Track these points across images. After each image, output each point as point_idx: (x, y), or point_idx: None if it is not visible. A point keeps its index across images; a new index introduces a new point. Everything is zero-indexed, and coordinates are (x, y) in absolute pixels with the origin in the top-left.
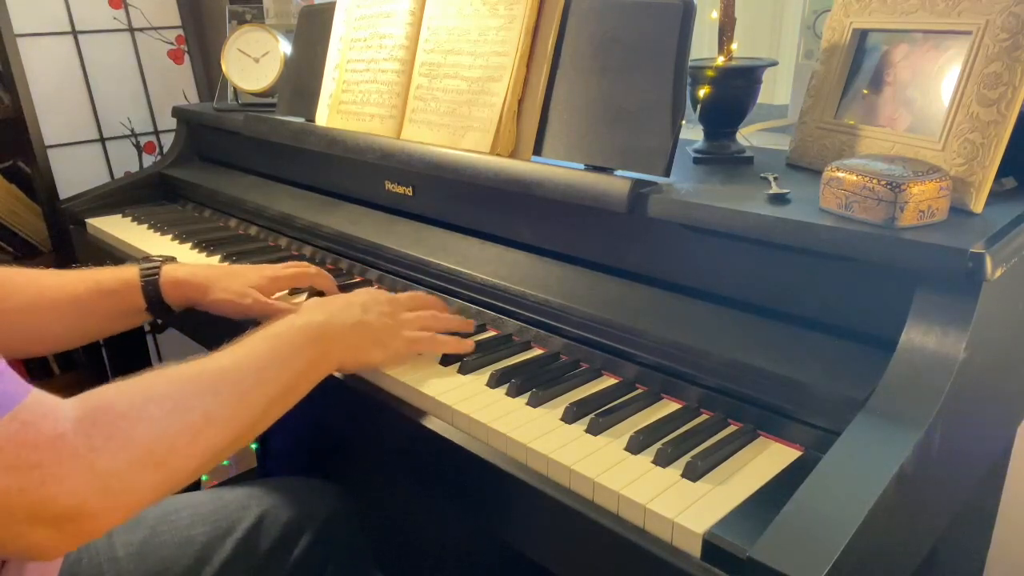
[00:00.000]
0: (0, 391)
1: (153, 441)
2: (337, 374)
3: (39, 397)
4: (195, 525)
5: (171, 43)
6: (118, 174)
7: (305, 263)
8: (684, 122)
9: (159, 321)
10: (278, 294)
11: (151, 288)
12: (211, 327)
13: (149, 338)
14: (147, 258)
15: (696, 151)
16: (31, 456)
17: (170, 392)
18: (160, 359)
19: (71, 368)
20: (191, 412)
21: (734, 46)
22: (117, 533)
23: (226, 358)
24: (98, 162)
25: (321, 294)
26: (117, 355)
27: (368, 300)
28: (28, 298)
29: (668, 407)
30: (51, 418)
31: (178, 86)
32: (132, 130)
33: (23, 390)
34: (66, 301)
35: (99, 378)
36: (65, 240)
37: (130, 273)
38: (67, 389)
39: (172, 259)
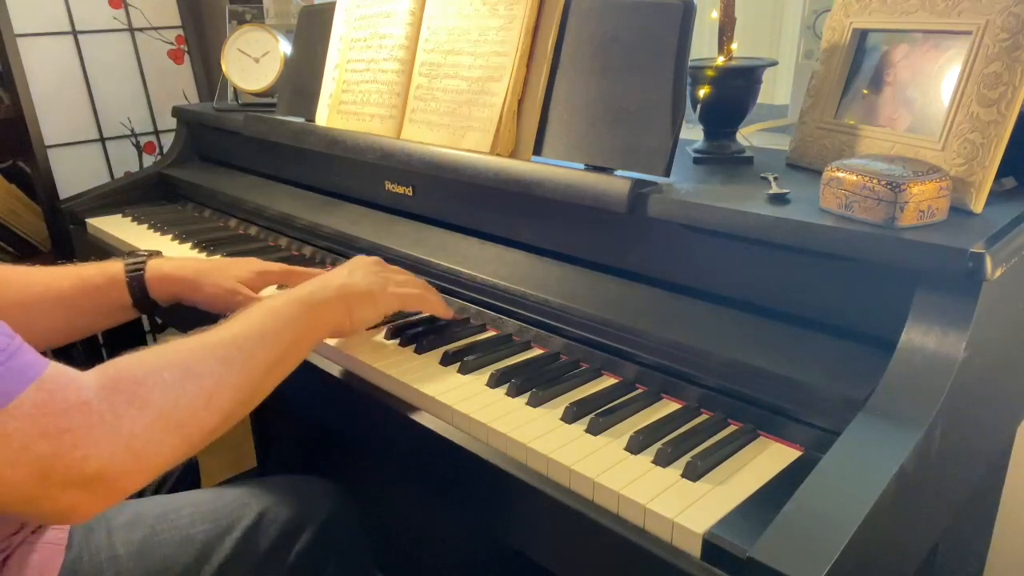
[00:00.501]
0: (23, 362)
1: (170, 404)
2: (336, 372)
3: (59, 368)
4: (195, 524)
5: (171, 43)
6: (118, 174)
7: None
8: (684, 122)
9: (159, 321)
10: (266, 290)
11: (136, 284)
12: (207, 321)
13: (149, 337)
14: (132, 253)
15: (696, 151)
16: (61, 422)
17: (181, 360)
18: None
19: (69, 363)
20: (202, 377)
21: (734, 46)
22: (117, 531)
23: (227, 330)
24: (98, 162)
25: None
26: (113, 350)
27: (355, 264)
28: (15, 294)
29: (668, 407)
30: (74, 387)
31: (178, 86)
32: (132, 130)
33: (42, 362)
34: (52, 297)
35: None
36: (65, 240)
37: (115, 268)
38: None
39: (158, 253)
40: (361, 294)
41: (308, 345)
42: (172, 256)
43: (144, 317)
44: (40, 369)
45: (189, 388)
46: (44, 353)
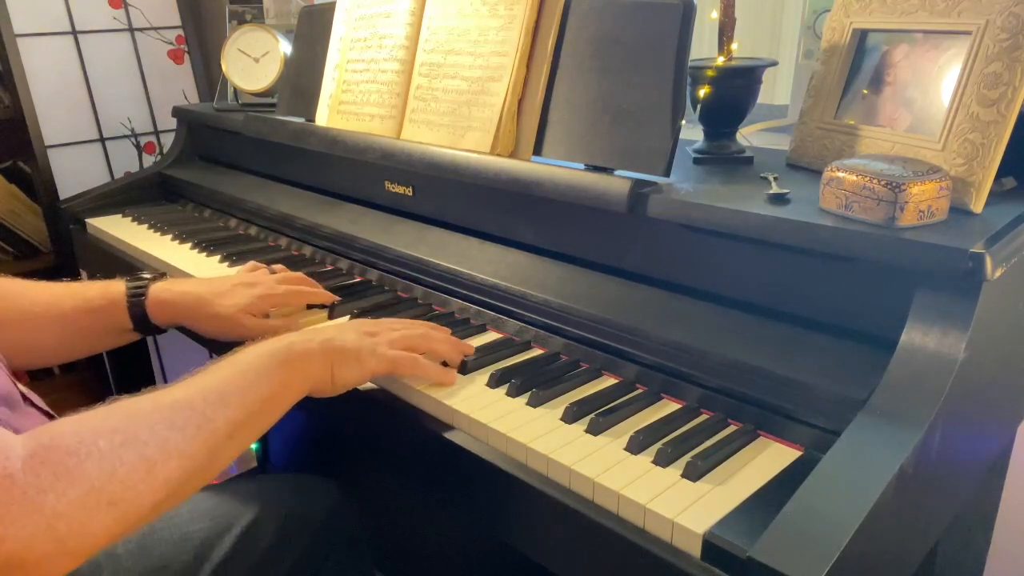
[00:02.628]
0: None
1: (103, 477)
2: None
3: None
4: (194, 522)
5: (171, 43)
6: (118, 174)
7: (303, 276)
8: (684, 122)
9: (153, 334)
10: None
11: (137, 308)
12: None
13: (149, 339)
14: (135, 275)
15: (696, 151)
16: None
17: (121, 426)
18: (160, 359)
19: (71, 369)
20: (145, 445)
21: (734, 46)
22: None
23: (183, 388)
24: (98, 162)
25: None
26: (117, 355)
27: (350, 323)
28: (17, 311)
29: (668, 407)
30: (0, 457)
31: (178, 86)
32: (132, 130)
33: None
34: (53, 317)
35: (99, 379)
36: (65, 240)
37: (117, 291)
38: (67, 390)
39: (161, 276)
40: (346, 353)
41: (284, 404)
42: (175, 279)
43: None
44: None
45: (127, 458)
46: (48, 371)
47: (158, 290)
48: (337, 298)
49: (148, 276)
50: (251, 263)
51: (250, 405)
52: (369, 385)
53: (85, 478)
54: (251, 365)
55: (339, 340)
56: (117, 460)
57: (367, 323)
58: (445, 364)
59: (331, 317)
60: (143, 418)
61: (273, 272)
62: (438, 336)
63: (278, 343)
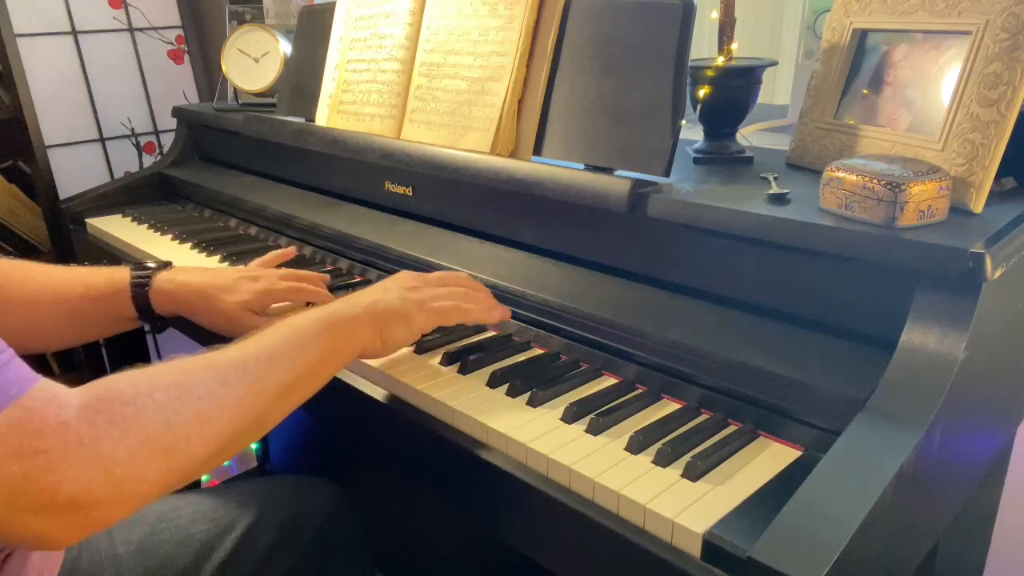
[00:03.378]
0: (7, 379)
1: (159, 428)
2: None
3: (45, 385)
4: (195, 523)
5: (171, 43)
6: (118, 174)
7: (305, 272)
8: (684, 122)
9: (157, 324)
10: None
11: (141, 297)
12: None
13: (149, 338)
14: (139, 264)
15: (696, 151)
16: (34, 443)
17: (177, 380)
18: (160, 359)
19: (71, 368)
20: (199, 399)
21: (734, 46)
22: (117, 530)
23: (237, 349)
24: (98, 162)
25: None
26: (117, 355)
27: (391, 281)
28: (24, 295)
29: (668, 407)
30: (54, 405)
31: (178, 86)
32: (132, 130)
33: (30, 378)
34: (59, 304)
35: (98, 375)
36: (65, 240)
37: (121, 279)
38: (66, 385)
39: (166, 265)
40: (393, 313)
41: (332, 367)
42: (181, 268)
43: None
44: (26, 386)
45: (182, 410)
46: (43, 358)
47: (162, 280)
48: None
49: (153, 265)
50: (264, 257)
51: (299, 367)
52: (369, 385)
53: (141, 427)
54: (301, 330)
55: (384, 302)
56: (172, 412)
57: (408, 278)
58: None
59: None
60: (198, 374)
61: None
62: (477, 295)
63: (326, 309)
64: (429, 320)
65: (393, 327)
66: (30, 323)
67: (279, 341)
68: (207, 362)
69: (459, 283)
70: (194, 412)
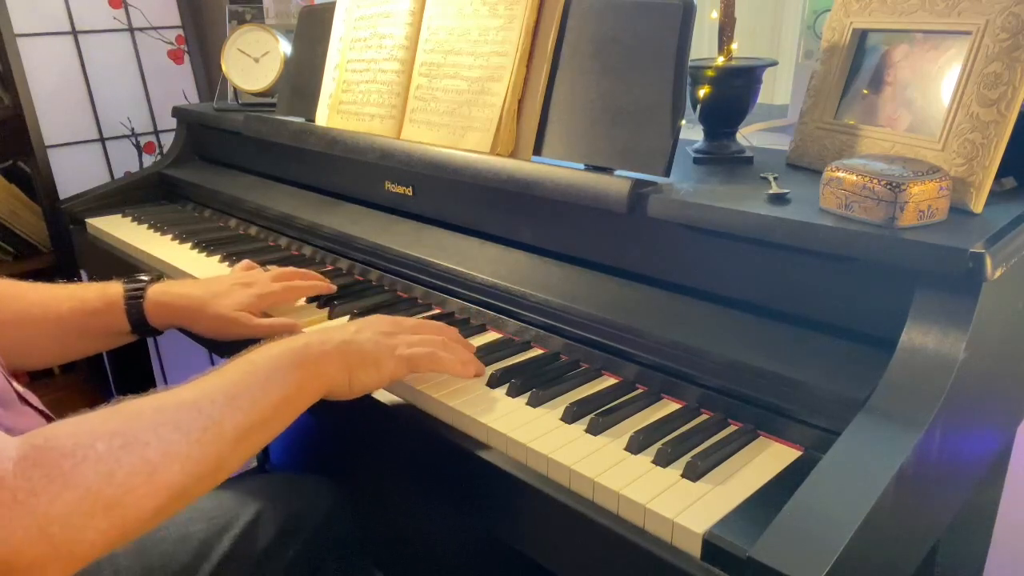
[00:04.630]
0: None
1: (100, 481)
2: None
3: None
4: (194, 521)
5: (171, 43)
6: (118, 174)
7: (296, 270)
8: (684, 122)
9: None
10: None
11: (135, 311)
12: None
13: (149, 339)
14: (132, 278)
15: (696, 151)
16: None
17: (122, 427)
18: (160, 359)
19: (71, 370)
20: (146, 447)
21: (734, 46)
22: None
23: (191, 390)
24: (98, 162)
25: (330, 300)
26: (117, 355)
27: (365, 322)
28: (13, 314)
29: (668, 407)
30: None
31: (178, 86)
32: (132, 130)
33: None
34: (51, 320)
35: (99, 379)
36: (65, 240)
37: (115, 293)
38: (67, 389)
39: (159, 278)
40: (364, 355)
41: (298, 407)
42: (173, 280)
43: None
44: None
45: (126, 461)
46: (48, 371)
47: (156, 293)
48: (334, 287)
49: (146, 278)
50: (245, 261)
51: (261, 409)
52: None
53: (80, 481)
54: (263, 366)
55: (356, 343)
56: (115, 463)
57: (382, 322)
58: None
59: (331, 317)
60: (146, 419)
61: (267, 271)
62: (459, 346)
63: (293, 343)
64: (399, 368)
65: (362, 370)
66: (22, 340)
67: (239, 381)
68: (157, 405)
69: (437, 331)
70: (140, 462)
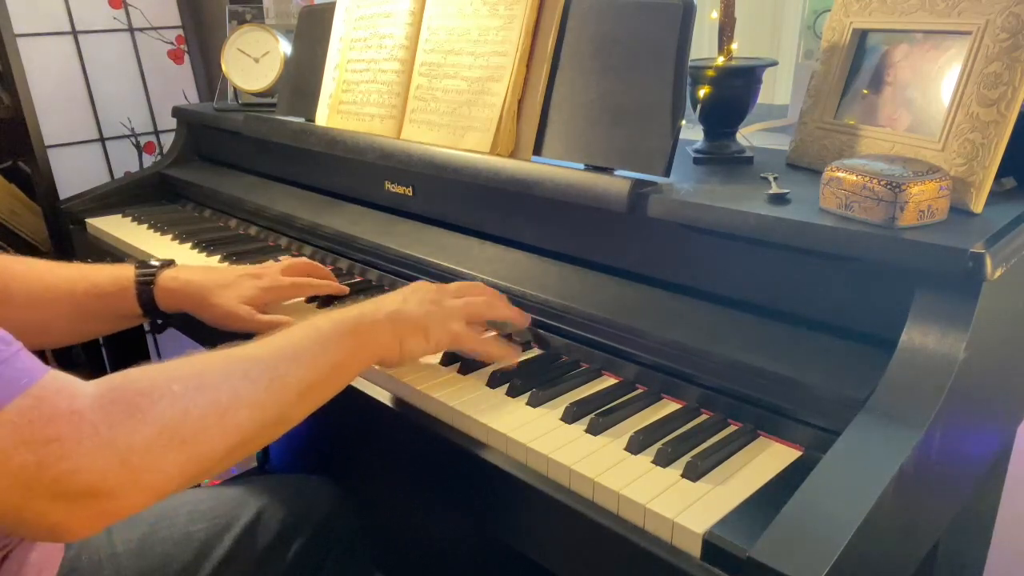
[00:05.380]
0: (17, 368)
1: (176, 418)
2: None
3: (56, 375)
4: (194, 521)
5: (171, 43)
6: (118, 174)
7: (309, 263)
8: (684, 122)
9: (159, 321)
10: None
11: (145, 295)
12: (211, 328)
13: (149, 338)
14: (143, 262)
15: (696, 151)
16: (47, 430)
17: (196, 372)
18: (160, 359)
19: (71, 367)
20: (218, 391)
21: (734, 46)
22: (116, 529)
23: (259, 346)
24: (98, 162)
25: (329, 300)
26: (117, 354)
27: (410, 290)
28: (28, 292)
29: (668, 407)
30: (67, 393)
31: (178, 86)
32: (132, 130)
33: (39, 369)
34: (64, 301)
35: (99, 376)
36: (65, 240)
37: (126, 277)
38: None
39: (170, 263)
40: (414, 324)
41: (352, 371)
42: (184, 266)
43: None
44: (36, 376)
45: (200, 402)
46: (41, 355)
47: (166, 279)
48: (346, 288)
49: (157, 263)
50: (269, 262)
51: (321, 367)
52: (370, 385)
53: (158, 417)
54: (323, 331)
55: (406, 312)
56: (191, 403)
57: (430, 289)
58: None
59: None
60: (218, 367)
61: (278, 261)
62: (501, 302)
63: (349, 312)
64: (445, 339)
65: (412, 338)
66: (35, 319)
67: (301, 340)
68: (227, 357)
69: (480, 292)
70: (213, 404)
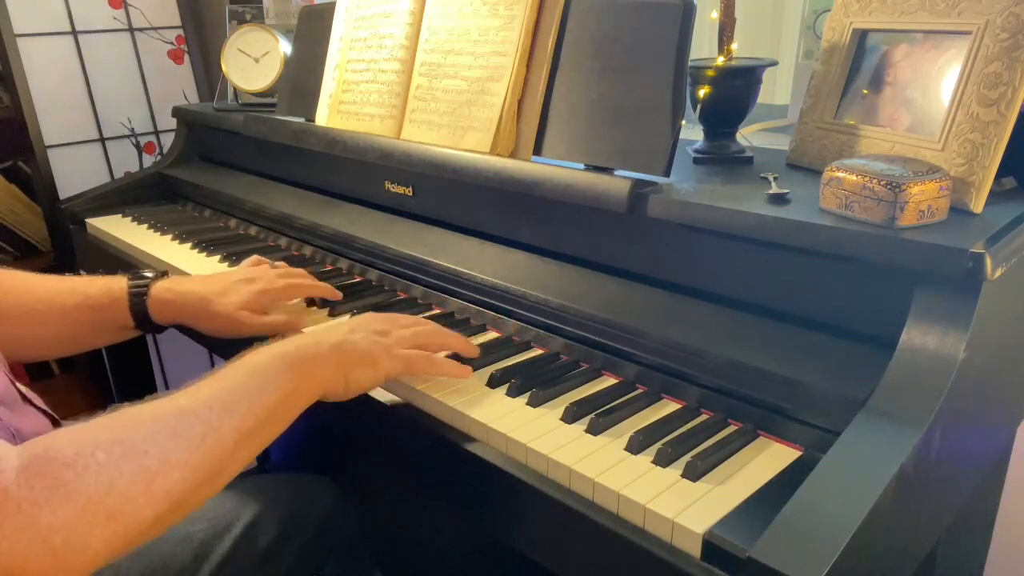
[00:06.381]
0: None
1: (101, 491)
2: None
3: None
4: (194, 522)
5: (171, 43)
6: (118, 174)
7: (300, 271)
8: (684, 122)
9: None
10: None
11: (139, 307)
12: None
13: (149, 338)
14: (136, 274)
15: (696, 151)
16: None
17: (121, 436)
18: (160, 359)
19: (71, 369)
20: (145, 455)
21: (734, 46)
22: None
23: (188, 396)
24: (98, 162)
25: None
26: (117, 355)
27: (360, 321)
28: (20, 305)
29: (668, 407)
30: None
31: (178, 86)
32: (132, 130)
33: None
34: (56, 314)
35: (99, 379)
36: (65, 240)
37: (119, 289)
38: (67, 389)
39: (163, 275)
40: (360, 355)
41: (293, 410)
42: (177, 277)
43: None
44: None
45: (127, 470)
46: (42, 366)
47: (159, 290)
48: (339, 294)
49: (150, 275)
50: (254, 257)
51: (258, 412)
52: None
53: (82, 491)
54: (259, 370)
55: (350, 342)
56: (116, 472)
57: (376, 320)
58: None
59: (332, 316)
60: (144, 427)
61: (275, 267)
62: (447, 333)
63: (287, 346)
64: (395, 366)
65: (358, 369)
66: (26, 333)
67: (235, 384)
68: (155, 413)
69: (428, 324)
70: (140, 471)
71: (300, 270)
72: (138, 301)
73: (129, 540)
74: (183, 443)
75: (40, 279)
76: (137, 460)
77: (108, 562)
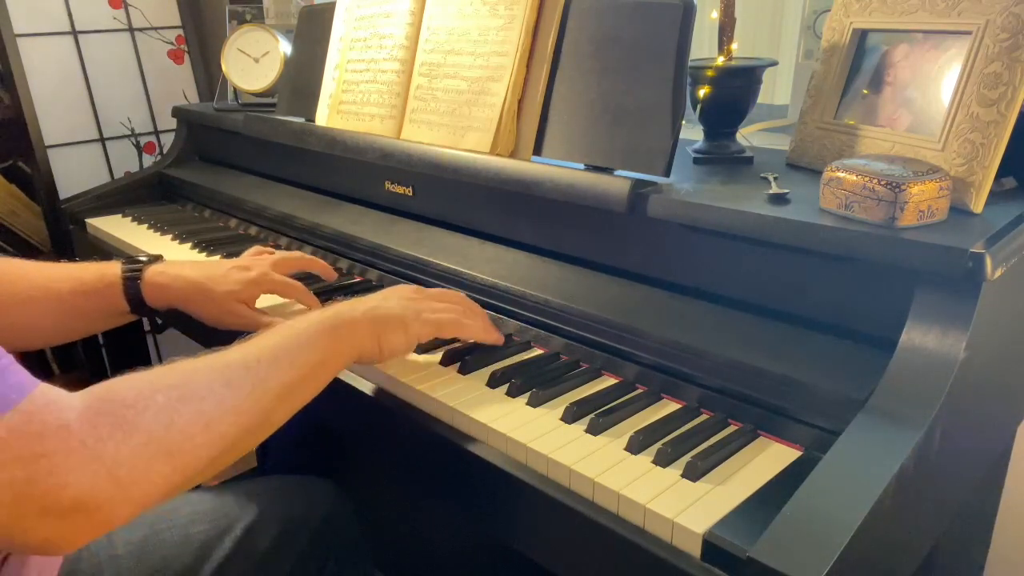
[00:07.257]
0: (8, 384)
1: (161, 429)
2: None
3: (45, 389)
4: (195, 523)
5: (171, 43)
6: (118, 174)
7: (302, 257)
8: (684, 122)
9: (159, 321)
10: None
11: (133, 290)
12: (210, 328)
13: (149, 338)
14: (130, 258)
15: (696, 151)
16: (36, 446)
17: (179, 381)
18: (160, 359)
19: (71, 368)
20: (202, 400)
21: (734, 46)
22: (117, 531)
23: (238, 351)
24: (98, 162)
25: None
26: (117, 354)
27: (391, 290)
28: (16, 292)
29: (668, 407)
30: (55, 408)
31: (178, 86)
32: (132, 130)
33: (30, 383)
34: (51, 300)
35: (99, 377)
36: (65, 240)
37: (113, 273)
38: (66, 387)
39: (158, 259)
40: (392, 319)
41: (332, 369)
42: (172, 261)
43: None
44: (25, 391)
45: (185, 412)
46: (42, 357)
47: (153, 273)
48: (334, 273)
49: (144, 259)
50: (256, 247)
51: (301, 368)
52: (369, 385)
53: (143, 428)
54: (301, 332)
55: (383, 308)
56: (175, 413)
57: (408, 289)
58: None
59: None
60: (201, 376)
61: (272, 255)
62: (475, 311)
63: (326, 312)
64: (425, 329)
65: (391, 333)
66: (23, 320)
67: (280, 343)
68: (209, 364)
69: (458, 300)
70: (197, 413)
71: (296, 254)
72: (132, 285)
73: (186, 478)
74: (235, 391)
75: (35, 266)
76: (195, 404)
77: (167, 498)
